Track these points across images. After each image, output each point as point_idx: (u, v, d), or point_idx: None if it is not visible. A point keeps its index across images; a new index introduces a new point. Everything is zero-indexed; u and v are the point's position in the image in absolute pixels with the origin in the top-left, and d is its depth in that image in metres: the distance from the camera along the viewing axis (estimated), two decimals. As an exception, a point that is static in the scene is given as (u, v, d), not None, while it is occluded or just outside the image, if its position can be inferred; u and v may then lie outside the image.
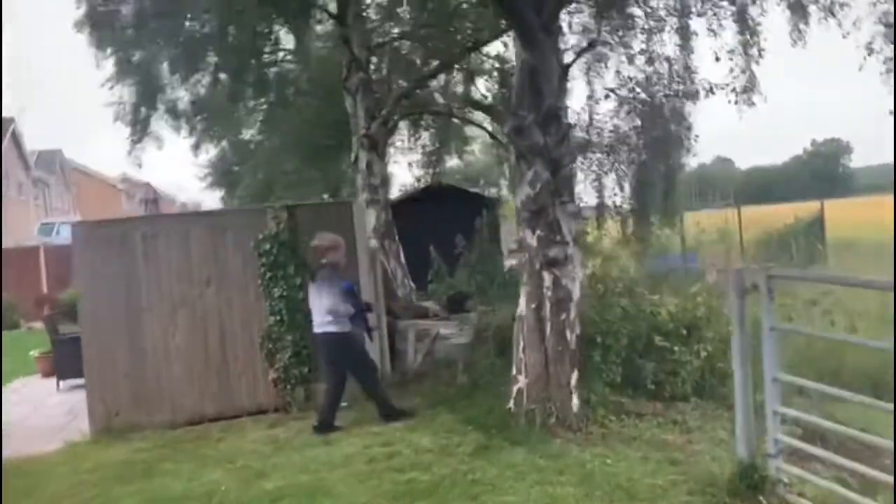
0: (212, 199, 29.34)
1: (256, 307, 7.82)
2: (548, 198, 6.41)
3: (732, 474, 4.85)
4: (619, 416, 6.58)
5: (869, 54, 8.52)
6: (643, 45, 10.56)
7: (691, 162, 13.47)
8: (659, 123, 11.26)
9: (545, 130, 6.41)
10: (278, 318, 7.80)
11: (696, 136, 11.60)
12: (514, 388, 6.66)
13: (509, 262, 12.65)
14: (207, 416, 7.63)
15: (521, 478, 5.35)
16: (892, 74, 8.41)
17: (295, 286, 7.82)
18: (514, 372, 6.72)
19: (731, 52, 10.01)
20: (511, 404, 6.65)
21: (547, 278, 6.44)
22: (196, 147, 18.36)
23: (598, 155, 11.72)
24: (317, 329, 7.04)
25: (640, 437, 6.15)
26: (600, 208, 12.09)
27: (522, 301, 6.65)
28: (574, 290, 6.48)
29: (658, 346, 7.15)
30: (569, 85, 7.07)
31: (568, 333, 6.45)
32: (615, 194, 12.02)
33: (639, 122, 11.25)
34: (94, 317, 7.54)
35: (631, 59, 10.67)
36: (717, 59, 9.94)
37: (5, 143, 32.55)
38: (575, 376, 6.55)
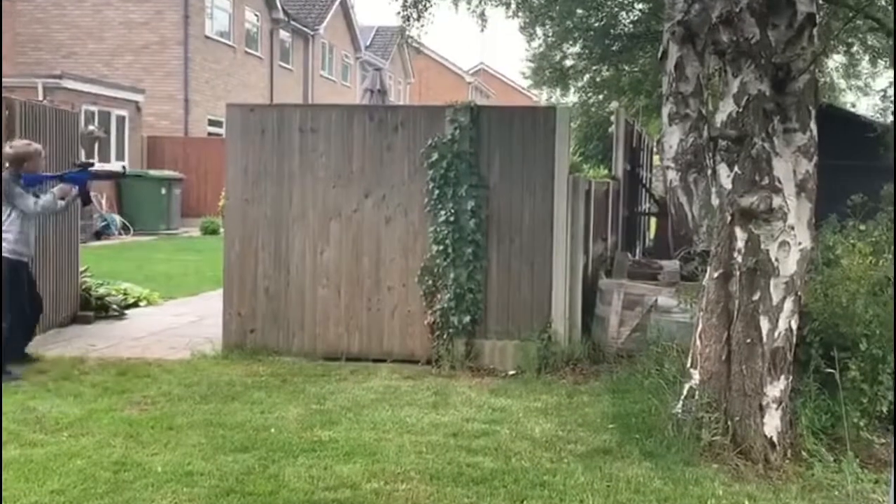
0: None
1: (420, 231, 8.33)
2: (756, 120, 5.80)
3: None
4: (847, 456, 5.85)
5: None
6: None
7: None
8: None
9: (766, 21, 5.76)
10: (441, 248, 8.25)
11: None
12: (686, 387, 6.29)
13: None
14: (351, 352, 8.47)
15: (607, 494, 5.20)
16: None
17: (466, 211, 8.19)
18: (687, 363, 6.32)
19: None
20: (678, 407, 6.29)
21: (739, 237, 5.89)
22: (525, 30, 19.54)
23: None
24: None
25: (841, 488, 5.46)
26: None
27: (710, 267, 6.18)
28: (784, 260, 5.83)
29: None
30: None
31: (764, 321, 5.85)
32: None
33: None
34: (240, 217, 8.71)
35: None
36: None
37: (329, 17, 37.18)
38: (780, 386, 5.98)
